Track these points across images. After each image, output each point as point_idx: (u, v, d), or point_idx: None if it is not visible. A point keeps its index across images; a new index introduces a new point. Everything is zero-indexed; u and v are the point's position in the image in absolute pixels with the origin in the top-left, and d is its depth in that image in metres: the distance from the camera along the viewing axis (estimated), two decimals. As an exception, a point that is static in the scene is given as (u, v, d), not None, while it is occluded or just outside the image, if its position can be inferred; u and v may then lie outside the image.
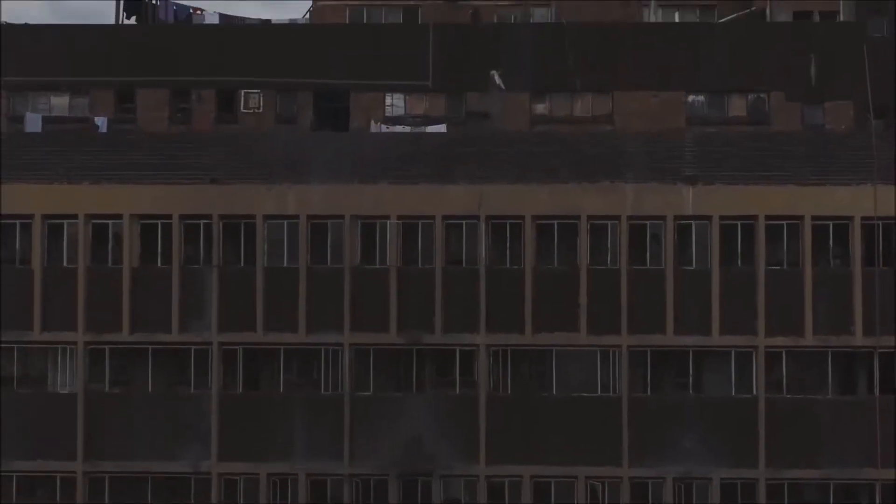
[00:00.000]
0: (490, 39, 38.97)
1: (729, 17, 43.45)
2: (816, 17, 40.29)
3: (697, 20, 44.73)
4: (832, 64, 37.81)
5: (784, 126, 37.85)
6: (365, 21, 45.47)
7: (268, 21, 45.14)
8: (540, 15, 45.22)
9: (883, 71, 37.63)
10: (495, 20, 45.29)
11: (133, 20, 42.82)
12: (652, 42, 38.74)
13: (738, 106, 38.54)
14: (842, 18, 40.03)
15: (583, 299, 34.73)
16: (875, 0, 40.09)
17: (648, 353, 34.95)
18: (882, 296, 34.06)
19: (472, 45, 38.75)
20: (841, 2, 40.07)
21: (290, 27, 42.61)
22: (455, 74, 38.36)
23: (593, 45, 38.35)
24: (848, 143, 35.55)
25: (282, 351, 35.49)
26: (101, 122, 38.54)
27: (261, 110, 38.95)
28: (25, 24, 42.70)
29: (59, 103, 39.44)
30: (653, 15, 42.27)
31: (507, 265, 35.23)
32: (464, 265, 35.27)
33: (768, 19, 40.57)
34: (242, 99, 39.01)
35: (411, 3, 45.45)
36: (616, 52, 38.35)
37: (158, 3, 43.03)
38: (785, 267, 34.81)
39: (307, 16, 46.70)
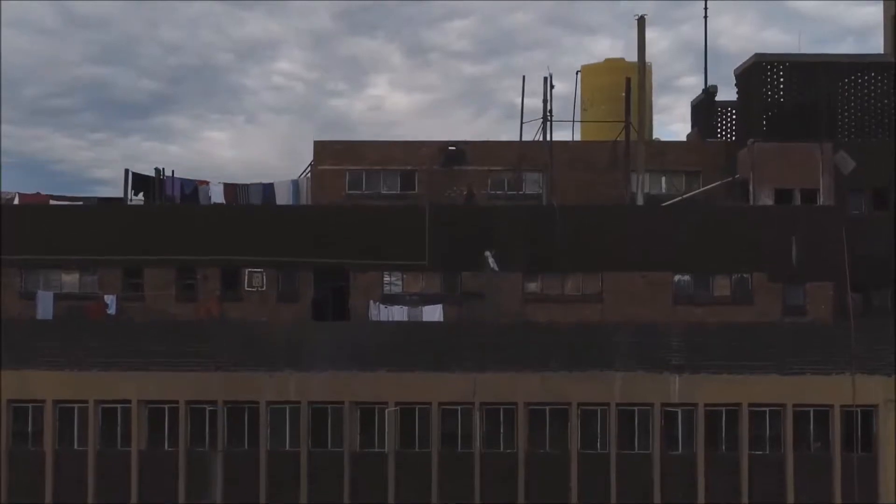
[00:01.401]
0: (484, 220, 40.50)
1: (711, 185, 45.24)
2: (797, 195, 41.73)
3: (683, 186, 46.51)
4: (812, 245, 39.43)
5: (766, 306, 39.42)
6: (364, 184, 47.27)
7: (270, 185, 46.81)
8: (532, 180, 46.97)
9: (864, 245, 39.43)
10: (489, 184, 47.12)
11: (141, 196, 44.46)
12: (640, 223, 40.33)
13: (722, 286, 40.07)
14: (822, 195, 41.58)
15: (573, 482, 36.04)
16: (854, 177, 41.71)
17: (637, 535, 36.23)
18: (860, 481, 35.44)
19: (466, 225, 40.27)
20: (821, 179, 41.61)
21: (292, 208, 44.16)
22: (451, 254, 39.86)
23: (583, 227, 39.93)
24: (827, 334, 37.03)
25: (284, 532, 36.71)
26: (111, 300, 40.00)
27: (264, 288, 40.40)
28: (37, 193, 44.29)
29: (70, 280, 40.90)
30: (640, 182, 43.92)
31: (501, 449, 36.58)
32: (459, 449, 36.58)
33: (751, 197, 42.16)
34: (246, 278, 40.40)
35: (408, 168, 47.21)
36: (605, 233, 39.95)
37: (165, 178, 44.72)
38: (767, 451, 36.22)
39: (307, 174, 48.30)
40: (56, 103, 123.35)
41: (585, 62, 53.32)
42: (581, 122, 50.46)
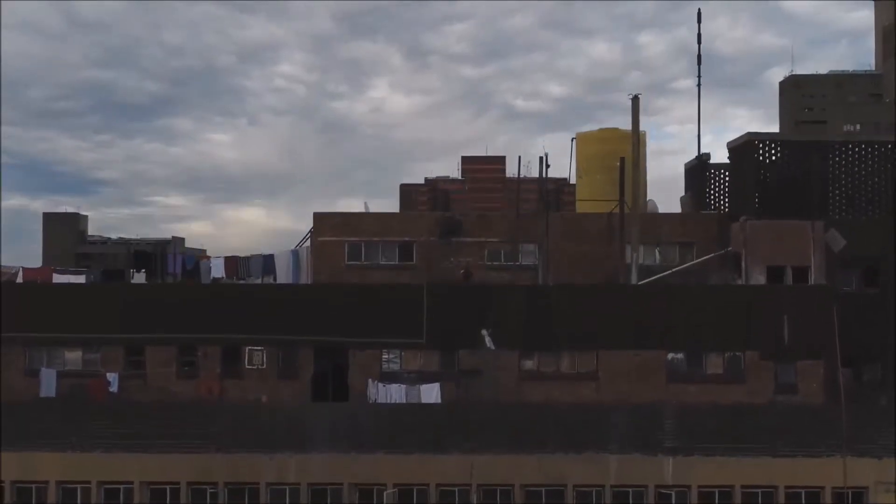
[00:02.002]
0: (481, 299, 41.06)
1: (704, 258, 45.90)
2: (789, 272, 42.32)
3: (677, 258, 47.16)
4: (804, 324, 40.03)
5: (758, 384, 40.02)
6: (363, 255, 47.92)
7: (270, 256, 47.51)
8: (528, 251, 47.65)
9: (854, 323, 40.10)
10: (486, 255, 47.79)
11: (143, 272, 45.15)
12: (634, 303, 40.95)
13: (715, 364, 40.67)
14: (813, 272, 42.18)
15: (570, 563, 36.58)
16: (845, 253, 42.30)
17: None
18: (853, 562, 36.01)
19: (464, 303, 40.87)
20: (813, 256, 42.24)
21: (292, 287, 44.82)
22: (448, 333, 40.47)
23: (578, 306, 40.57)
24: (818, 416, 37.63)
25: None
26: (113, 378, 40.58)
27: (264, 366, 40.98)
28: (41, 268, 44.95)
29: (73, 358, 41.48)
30: (634, 259, 44.49)
31: (498, 529, 37.14)
32: (457, 528, 37.13)
33: (743, 273, 42.79)
34: (246, 355, 40.98)
35: (406, 239, 47.88)
36: (599, 312, 40.57)
37: (167, 255, 45.43)
38: (760, 532, 36.78)
39: (307, 243, 48.97)
40: (60, 105, 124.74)
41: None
42: (577, 200, 51.28)
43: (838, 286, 41.62)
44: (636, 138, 45.45)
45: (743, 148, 45.43)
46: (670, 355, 40.76)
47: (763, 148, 44.72)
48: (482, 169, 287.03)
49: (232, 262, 46.78)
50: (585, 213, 49.65)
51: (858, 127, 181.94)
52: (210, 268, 46.32)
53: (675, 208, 53.29)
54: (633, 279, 43.41)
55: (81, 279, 45.39)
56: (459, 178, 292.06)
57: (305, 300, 41.69)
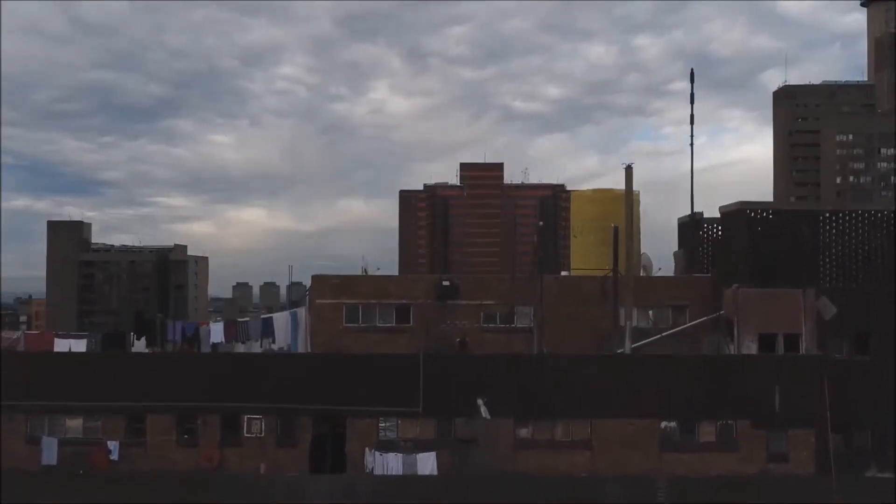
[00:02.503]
0: (476, 368, 41.67)
1: (699, 320, 46.51)
2: (780, 340, 42.88)
3: (670, 321, 47.72)
4: (795, 393, 40.63)
5: (750, 452, 40.60)
6: (360, 317, 48.43)
7: (269, 319, 48.14)
8: (524, 313, 48.20)
9: (846, 390, 40.70)
10: (482, 317, 48.33)
11: (143, 340, 45.70)
12: (627, 372, 41.54)
13: (707, 432, 41.21)
14: (805, 340, 42.78)
15: None
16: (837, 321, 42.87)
17: None
18: None
19: (459, 373, 41.46)
20: (804, 324, 42.84)
21: (290, 356, 45.41)
22: (444, 401, 41.03)
23: (572, 375, 41.17)
24: (810, 485, 38.25)
25: None
26: (114, 446, 41.10)
27: (262, 435, 41.49)
28: (43, 333, 45.46)
29: (74, 425, 41.98)
30: (628, 325, 44.96)
31: None
32: None
33: (734, 340, 43.39)
34: (245, 424, 41.50)
35: (403, 302, 48.43)
36: (593, 381, 41.18)
37: (166, 323, 46.02)
38: None
39: (305, 305, 49.59)
40: (64, 107, 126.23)
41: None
42: (571, 270, 52.04)
43: (829, 353, 42.14)
44: (629, 208, 45.97)
45: (734, 216, 46.09)
46: (663, 424, 41.30)
47: (754, 217, 45.37)
48: (480, 175, 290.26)
49: (231, 327, 47.38)
50: (580, 277, 50.14)
51: (851, 137, 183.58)
52: (210, 332, 46.86)
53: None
54: (627, 346, 43.96)
55: (83, 344, 45.91)
56: (458, 184, 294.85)
57: (304, 368, 42.27)
